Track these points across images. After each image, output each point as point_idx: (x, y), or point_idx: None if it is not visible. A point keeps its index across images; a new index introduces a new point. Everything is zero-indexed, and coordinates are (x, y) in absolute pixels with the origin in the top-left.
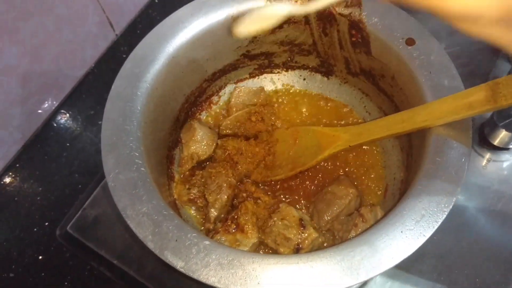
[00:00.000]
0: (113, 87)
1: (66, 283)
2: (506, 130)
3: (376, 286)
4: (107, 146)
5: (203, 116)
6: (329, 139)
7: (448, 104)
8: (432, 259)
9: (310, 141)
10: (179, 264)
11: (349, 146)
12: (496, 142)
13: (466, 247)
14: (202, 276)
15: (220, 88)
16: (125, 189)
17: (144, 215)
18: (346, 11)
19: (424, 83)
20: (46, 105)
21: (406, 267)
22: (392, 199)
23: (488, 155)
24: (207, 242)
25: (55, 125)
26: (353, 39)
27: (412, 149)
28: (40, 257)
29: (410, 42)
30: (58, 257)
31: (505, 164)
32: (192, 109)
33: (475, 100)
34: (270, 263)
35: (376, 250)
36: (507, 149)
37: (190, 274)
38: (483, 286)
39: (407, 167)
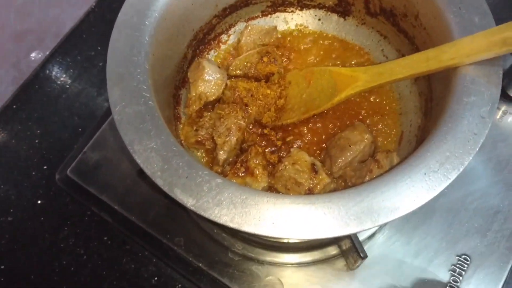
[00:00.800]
0: (120, 14)
1: (65, 228)
2: None
3: (384, 237)
4: (113, 77)
5: (212, 55)
6: (347, 80)
7: (479, 41)
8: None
9: (326, 82)
10: (189, 201)
11: (369, 87)
12: None
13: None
14: (214, 214)
15: (230, 26)
16: (132, 123)
17: (153, 151)
18: None
19: (452, 19)
20: (44, 44)
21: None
22: (408, 147)
23: (504, 107)
24: (219, 180)
25: (53, 65)
26: None
27: (432, 93)
28: (39, 201)
29: None
30: (58, 201)
31: None
32: (200, 47)
33: (510, 36)
34: (285, 202)
35: (398, 192)
36: None
37: (202, 212)
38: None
39: (425, 113)
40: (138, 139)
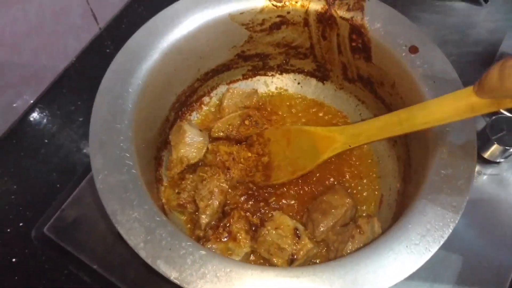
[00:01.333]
0: (103, 81)
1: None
2: (498, 143)
3: None
4: (96, 145)
5: (194, 117)
6: (324, 141)
7: (448, 105)
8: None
9: (306, 142)
10: (173, 274)
11: (347, 148)
12: (486, 155)
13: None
14: None
15: (212, 89)
16: (115, 192)
17: (136, 221)
18: (347, 15)
19: (427, 92)
20: (24, 98)
21: None
22: (388, 210)
23: (478, 168)
24: (203, 252)
25: (32, 120)
26: (353, 44)
27: (411, 159)
28: (14, 260)
29: (413, 50)
30: (33, 260)
31: (494, 178)
32: (183, 109)
33: (476, 102)
34: (269, 275)
35: (381, 265)
36: (497, 163)
37: (185, 285)
38: None
39: (404, 178)
40: (121, 209)
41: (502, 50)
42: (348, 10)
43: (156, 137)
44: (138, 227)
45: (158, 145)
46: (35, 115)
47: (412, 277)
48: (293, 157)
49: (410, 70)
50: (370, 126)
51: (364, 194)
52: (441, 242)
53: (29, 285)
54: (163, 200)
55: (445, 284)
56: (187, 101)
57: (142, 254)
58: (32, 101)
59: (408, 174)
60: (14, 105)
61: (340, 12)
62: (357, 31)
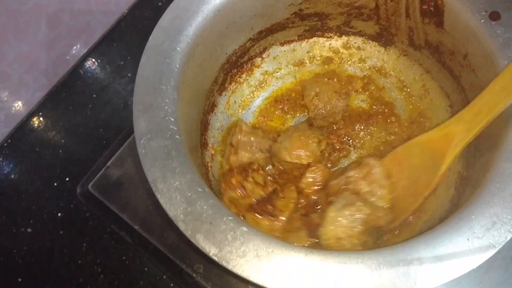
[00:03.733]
0: (150, 39)
1: (84, 244)
2: None
3: None
4: (140, 107)
5: (243, 78)
6: (441, 142)
7: None
8: None
9: (419, 158)
10: (212, 250)
11: (471, 137)
12: None
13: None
14: (237, 267)
15: (265, 49)
16: (157, 159)
17: (177, 190)
18: None
19: (505, 65)
20: (74, 50)
21: None
22: (446, 191)
23: None
24: (244, 229)
25: (82, 73)
26: (424, 6)
27: (478, 139)
28: (59, 214)
29: (494, 16)
30: (78, 216)
31: None
32: (233, 71)
33: None
34: (313, 260)
35: (437, 257)
36: None
37: (224, 264)
38: None
39: (467, 160)
40: (162, 177)
41: None
42: None
43: (204, 99)
44: (178, 197)
45: (205, 108)
46: (85, 68)
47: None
48: (412, 182)
49: (488, 40)
50: (488, 95)
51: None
52: (508, 238)
53: (73, 240)
54: (210, 168)
55: None
56: (237, 61)
57: (182, 226)
58: (82, 54)
59: (472, 158)
60: (66, 57)
61: None
62: None
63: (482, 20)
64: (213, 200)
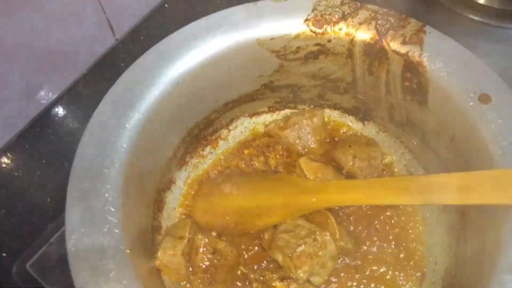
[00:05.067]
0: (95, 114)
1: None
2: None
3: None
4: (75, 194)
5: (206, 152)
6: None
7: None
8: None
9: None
10: None
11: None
12: None
13: None
14: None
15: (231, 121)
16: (89, 259)
17: None
18: (402, 49)
19: (500, 156)
20: (25, 112)
21: None
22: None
23: None
24: None
25: (32, 136)
26: (406, 83)
27: (467, 232)
28: None
29: (484, 99)
30: None
31: None
32: (195, 144)
33: None
34: None
35: None
36: None
37: None
38: None
39: (456, 253)
40: (93, 282)
41: None
42: (404, 43)
43: (158, 177)
44: None
45: (160, 186)
46: (35, 132)
47: None
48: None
49: (479, 124)
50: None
51: (403, 262)
52: None
53: None
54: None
55: None
56: (200, 134)
57: None
58: (31, 118)
59: (463, 251)
60: (12, 121)
61: (394, 45)
62: (412, 69)
63: (471, 103)
64: None
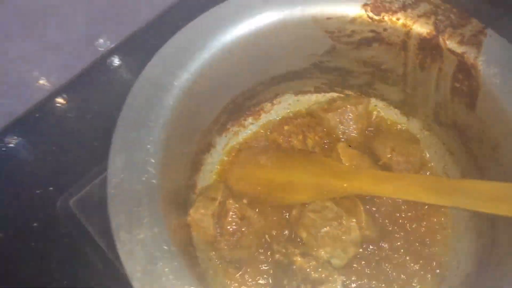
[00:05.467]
0: (146, 68)
1: (53, 261)
2: None
3: None
4: (120, 142)
5: (248, 123)
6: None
7: None
8: None
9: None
10: None
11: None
12: None
13: None
14: None
15: (276, 95)
16: (126, 203)
17: (139, 243)
18: (459, 49)
19: None
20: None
21: None
22: None
23: None
24: None
25: (83, 83)
26: (457, 84)
27: (496, 241)
28: (35, 224)
29: None
30: (54, 230)
31: None
32: (238, 113)
33: None
34: None
35: None
36: None
37: None
38: None
39: (480, 261)
40: (127, 225)
41: None
42: (461, 42)
43: (200, 138)
44: (140, 252)
45: (201, 148)
46: (91, 74)
47: None
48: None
49: None
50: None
51: (421, 262)
52: None
53: (43, 255)
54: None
55: None
56: (244, 104)
57: (136, 285)
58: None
59: (487, 259)
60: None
61: (450, 43)
62: (465, 70)
63: None
64: (177, 262)
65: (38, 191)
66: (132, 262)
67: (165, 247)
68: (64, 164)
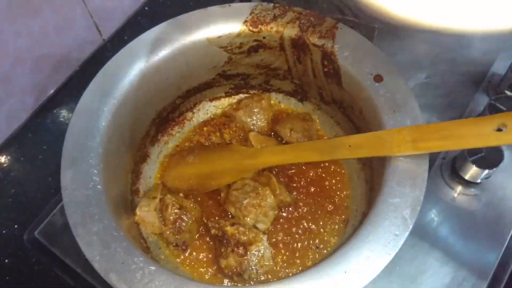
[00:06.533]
0: (80, 101)
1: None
2: (476, 165)
3: None
4: (67, 161)
5: (175, 131)
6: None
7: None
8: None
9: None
10: (122, 287)
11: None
12: (467, 177)
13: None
14: None
15: (195, 105)
16: (79, 207)
17: (94, 235)
18: (319, 42)
19: (386, 121)
20: (27, 106)
21: None
22: (352, 231)
23: (459, 188)
24: (152, 268)
25: (34, 126)
26: (326, 70)
27: (373, 183)
28: (6, 260)
29: (378, 78)
30: (24, 261)
31: (474, 198)
32: (165, 124)
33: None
34: None
35: None
36: (477, 183)
37: None
38: None
39: (369, 201)
40: (82, 223)
41: (493, 71)
42: (320, 37)
43: (134, 151)
44: (95, 241)
45: (138, 159)
46: (37, 121)
47: None
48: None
49: (374, 98)
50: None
51: (331, 211)
52: (377, 272)
53: (19, 285)
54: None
55: None
56: (168, 116)
57: (96, 266)
58: (34, 109)
59: (373, 198)
60: (19, 112)
61: (312, 39)
62: (328, 57)
63: (369, 82)
64: (126, 242)
65: (4, 231)
66: (91, 249)
67: (115, 233)
68: (23, 203)
